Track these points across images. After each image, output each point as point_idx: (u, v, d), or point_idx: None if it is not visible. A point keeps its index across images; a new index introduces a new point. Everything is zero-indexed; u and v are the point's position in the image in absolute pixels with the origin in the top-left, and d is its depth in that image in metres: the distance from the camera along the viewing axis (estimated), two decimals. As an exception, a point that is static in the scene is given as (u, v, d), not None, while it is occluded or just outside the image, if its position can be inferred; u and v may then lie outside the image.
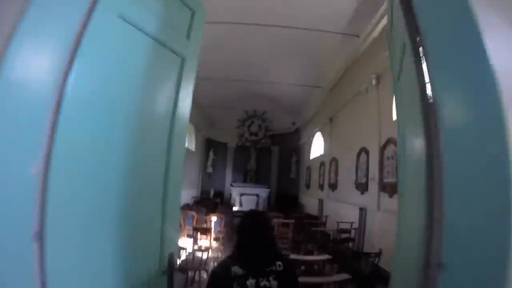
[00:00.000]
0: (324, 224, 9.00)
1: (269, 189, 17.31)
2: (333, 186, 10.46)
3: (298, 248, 6.79)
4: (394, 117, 6.61)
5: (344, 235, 7.09)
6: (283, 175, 18.92)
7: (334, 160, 10.59)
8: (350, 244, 7.01)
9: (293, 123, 17.45)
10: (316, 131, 14.18)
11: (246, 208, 16.17)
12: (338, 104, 10.57)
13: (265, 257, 1.85)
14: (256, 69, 11.45)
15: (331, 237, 7.22)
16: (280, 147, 19.17)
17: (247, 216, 2.01)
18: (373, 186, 7.16)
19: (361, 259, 5.58)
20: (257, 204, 16.63)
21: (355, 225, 7.43)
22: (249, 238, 1.89)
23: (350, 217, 7.96)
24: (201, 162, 16.56)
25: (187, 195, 13.19)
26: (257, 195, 16.74)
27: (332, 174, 10.61)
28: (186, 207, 10.36)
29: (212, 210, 10.53)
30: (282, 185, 18.70)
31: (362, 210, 7.58)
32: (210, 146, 18.03)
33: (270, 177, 19.23)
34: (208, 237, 6.11)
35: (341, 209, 8.97)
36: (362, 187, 7.85)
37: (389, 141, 6.66)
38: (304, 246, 6.85)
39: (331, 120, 11.46)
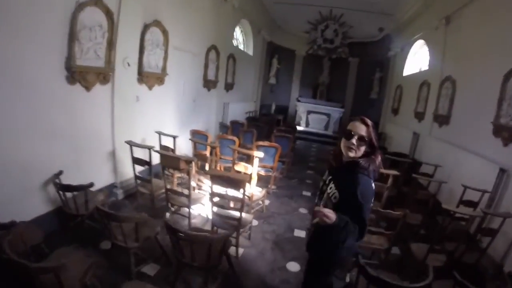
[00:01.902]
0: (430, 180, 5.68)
1: (343, 109, 14.32)
2: (444, 120, 7.09)
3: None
4: None
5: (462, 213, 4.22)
6: (361, 94, 15.25)
7: (449, 81, 7.02)
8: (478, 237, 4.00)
9: (380, 29, 13.07)
10: (417, 39, 10.15)
11: (313, 129, 13.90)
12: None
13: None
14: None
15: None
16: (360, 59, 15.13)
17: None
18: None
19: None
20: (327, 125, 14.13)
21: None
22: None
23: (475, 177, 4.92)
24: (261, 70, 13.63)
25: (239, 109, 10.69)
26: (328, 115, 14.12)
27: (444, 101, 7.16)
28: (231, 128, 7.94)
29: (268, 132, 8.00)
30: (359, 107, 15.15)
31: (503, 174, 4.48)
32: (274, 53, 14.81)
33: (345, 95, 15.78)
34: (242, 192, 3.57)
35: (457, 160, 5.84)
36: (509, 134, 4.61)
37: None
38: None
39: (447, 21, 7.50)
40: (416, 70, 10.26)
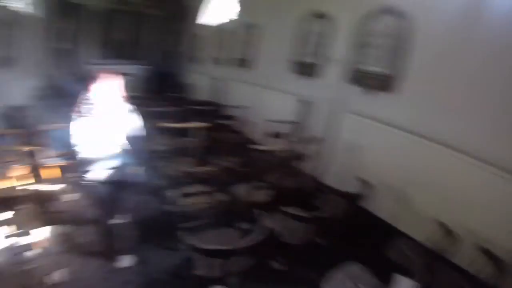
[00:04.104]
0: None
1: (146, 67, 13.36)
2: (245, 63, 7.48)
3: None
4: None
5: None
6: (166, 47, 14.59)
7: (254, 27, 7.33)
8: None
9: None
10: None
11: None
12: None
13: None
14: None
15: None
16: (160, 9, 14.36)
17: None
18: (335, 72, 4.47)
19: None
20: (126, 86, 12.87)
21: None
22: None
23: (282, 112, 5.53)
24: (42, 32, 11.08)
25: (21, 87, 8.52)
26: (127, 75, 12.81)
27: (249, 47, 7.46)
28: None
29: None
30: (167, 62, 14.68)
31: (305, 105, 4.99)
32: (61, 11, 12.27)
33: (148, 50, 14.77)
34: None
35: (262, 100, 6.31)
36: (308, 70, 5.09)
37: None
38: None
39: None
40: (216, 18, 10.18)
